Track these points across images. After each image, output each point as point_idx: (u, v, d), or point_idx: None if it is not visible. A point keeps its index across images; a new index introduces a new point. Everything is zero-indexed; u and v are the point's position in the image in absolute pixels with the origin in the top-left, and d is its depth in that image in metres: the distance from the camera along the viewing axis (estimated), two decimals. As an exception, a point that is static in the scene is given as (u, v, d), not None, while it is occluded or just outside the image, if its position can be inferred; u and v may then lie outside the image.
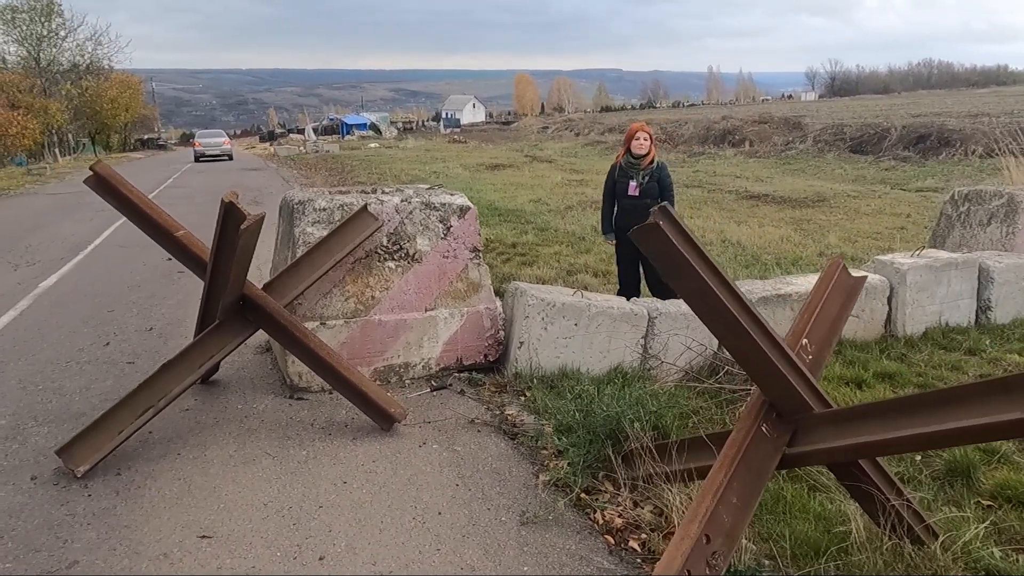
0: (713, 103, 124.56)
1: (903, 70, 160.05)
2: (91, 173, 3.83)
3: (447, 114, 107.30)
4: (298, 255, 4.45)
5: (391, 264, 4.69)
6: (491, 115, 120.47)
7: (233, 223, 3.16)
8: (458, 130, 70.72)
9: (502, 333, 5.00)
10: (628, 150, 6.09)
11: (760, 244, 10.09)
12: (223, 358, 3.92)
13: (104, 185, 3.83)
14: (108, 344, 5.62)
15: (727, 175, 20.21)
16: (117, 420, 3.57)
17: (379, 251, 4.66)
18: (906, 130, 24.78)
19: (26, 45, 42.32)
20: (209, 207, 15.50)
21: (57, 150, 41.62)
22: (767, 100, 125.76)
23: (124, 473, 3.54)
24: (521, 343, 4.78)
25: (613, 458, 3.47)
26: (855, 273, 5.94)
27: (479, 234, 4.97)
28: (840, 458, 2.80)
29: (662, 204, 2.68)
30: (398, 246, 4.71)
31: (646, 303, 5.14)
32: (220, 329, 3.87)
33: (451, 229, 4.85)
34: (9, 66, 41.84)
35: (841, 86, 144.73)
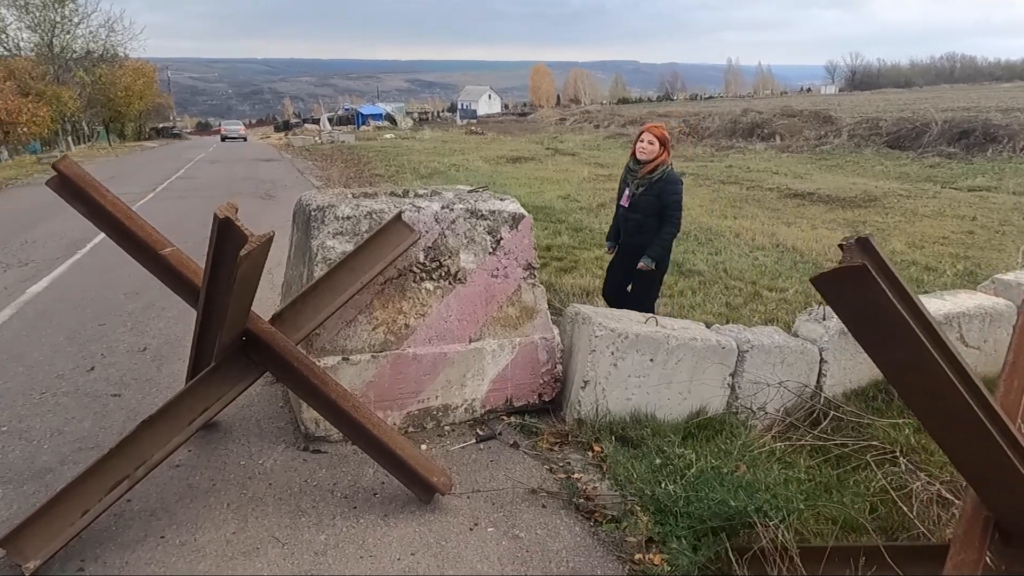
0: (731, 96, 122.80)
1: (925, 64, 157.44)
2: (54, 173, 2.99)
3: (463, 105, 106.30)
4: (315, 274, 3.60)
5: (429, 285, 3.83)
6: (507, 106, 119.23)
7: (231, 247, 2.31)
8: (475, 121, 69.68)
9: (560, 368, 4.13)
10: (633, 152, 5.04)
11: (818, 250, 9.16)
12: (220, 411, 3.07)
13: (70, 187, 2.99)
14: (92, 369, 4.80)
15: (762, 171, 19.17)
16: (81, 495, 2.74)
17: (414, 269, 3.80)
18: (947, 125, 23.60)
19: (39, 31, 41.68)
20: (222, 201, 14.61)
21: (70, 138, 41.02)
22: (786, 93, 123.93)
23: (89, 567, 2.71)
24: (585, 382, 3.91)
25: (734, 560, 2.61)
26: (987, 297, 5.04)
27: (534, 248, 4.09)
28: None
29: (859, 237, 1.81)
30: (437, 263, 3.85)
31: (734, 333, 4.26)
32: (216, 374, 3.02)
33: (501, 242, 3.98)
34: (23, 53, 41.23)
35: (862, 80, 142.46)
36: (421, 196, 4.38)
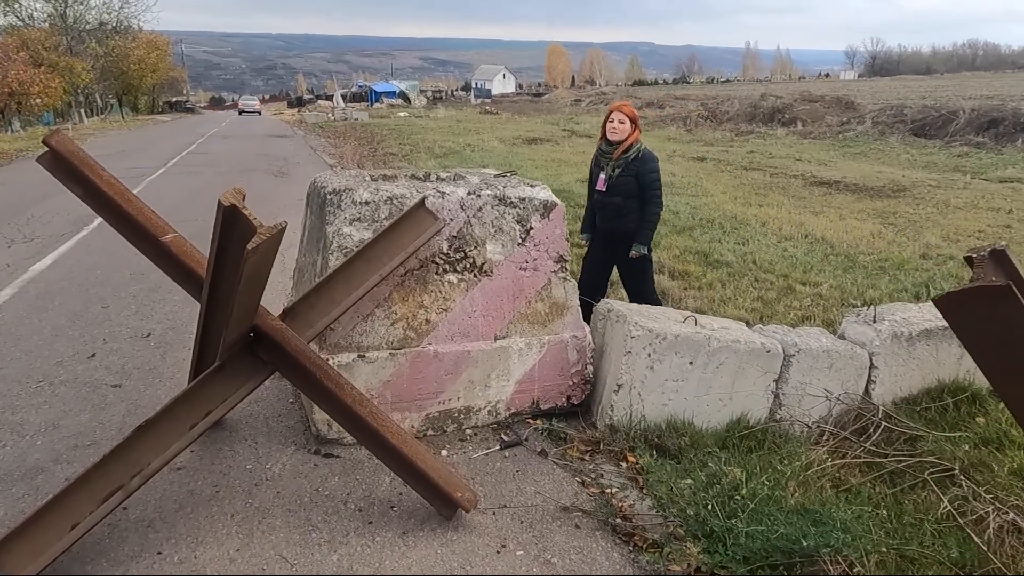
0: (748, 79, 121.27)
1: (947, 50, 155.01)
2: (46, 149, 2.70)
3: (477, 84, 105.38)
4: (330, 263, 3.31)
5: (452, 277, 3.54)
6: (521, 86, 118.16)
7: (237, 239, 2.02)
8: (489, 101, 68.95)
9: (590, 369, 3.84)
10: (603, 134, 4.78)
11: (849, 241, 8.80)
12: (225, 414, 2.80)
13: (64, 165, 2.70)
14: (93, 356, 4.54)
15: (784, 157, 18.70)
16: (72, 507, 2.47)
17: (437, 260, 3.51)
18: (975, 113, 22.98)
19: (53, 1, 41.35)
20: (234, 178, 14.47)
21: (83, 110, 40.80)
22: (804, 78, 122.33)
23: (77, 587, 2.45)
24: (619, 386, 3.61)
25: (795, 601, 2.32)
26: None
27: (567, 239, 3.78)
28: None
29: (993, 249, 1.49)
30: (462, 253, 3.55)
31: (779, 335, 3.95)
32: (221, 374, 2.75)
33: (531, 232, 3.67)
34: (36, 23, 40.93)
35: (882, 66, 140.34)
36: (444, 180, 4.08)
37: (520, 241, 3.64)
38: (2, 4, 39.06)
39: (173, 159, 17.74)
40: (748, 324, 4.17)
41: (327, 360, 3.25)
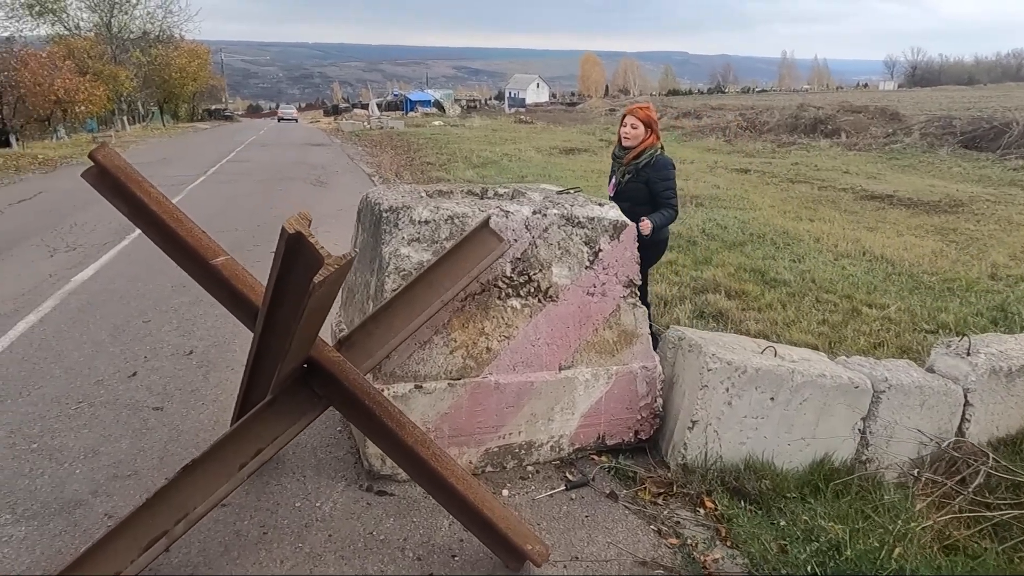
0: (784, 89, 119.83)
1: (990, 60, 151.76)
2: (91, 163, 2.51)
3: (511, 93, 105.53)
4: (386, 287, 3.08)
5: (515, 303, 3.29)
6: (554, 95, 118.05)
7: (302, 270, 1.80)
8: (523, 110, 68.91)
9: (660, 402, 3.56)
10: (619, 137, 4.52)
11: (910, 260, 8.38)
12: (276, 453, 2.58)
13: (110, 181, 2.52)
14: (134, 375, 4.38)
15: (831, 169, 18.17)
16: (112, 556, 2.27)
17: (500, 284, 3.26)
18: (1031, 125, 22.19)
19: (99, 11, 42.24)
20: (272, 186, 14.44)
21: (125, 118, 41.53)
22: (841, 88, 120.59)
23: (117, 644, 2.24)
24: (693, 423, 3.33)
25: None
26: None
27: (637, 262, 3.52)
28: None
29: None
30: (526, 277, 3.30)
31: (865, 368, 3.63)
32: (272, 409, 2.53)
33: (600, 254, 3.41)
34: (82, 32, 41.82)
35: (923, 76, 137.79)
36: (503, 197, 3.85)
37: (588, 264, 3.39)
38: (51, 15, 39.99)
39: (213, 167, 17.82)
40: (825, 351, 3.86)
41: (382, 390, 3.03)
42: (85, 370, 4.44)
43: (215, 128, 48.15)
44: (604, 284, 3.42)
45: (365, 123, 41.35)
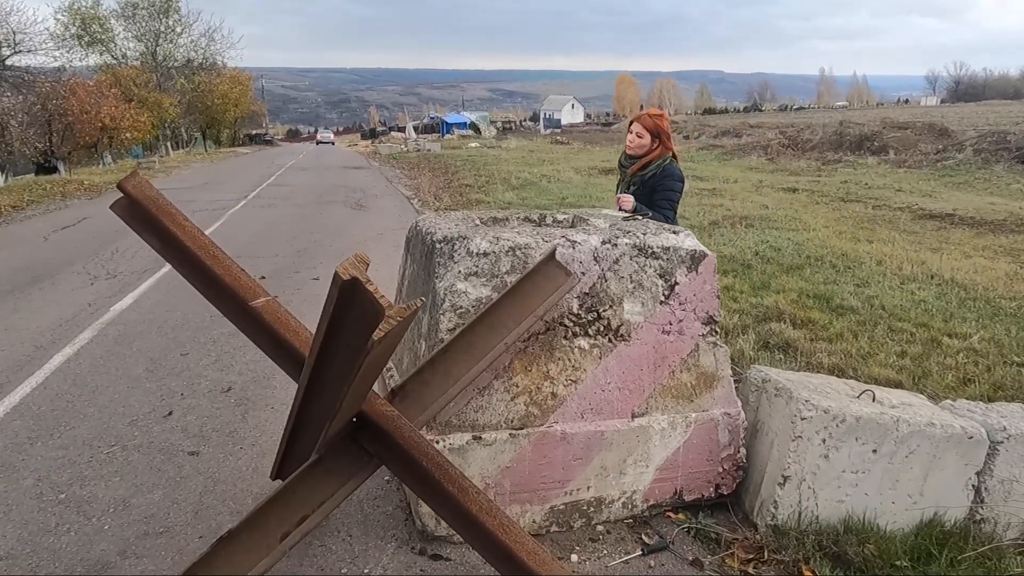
0: (823, 107, 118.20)
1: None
2: (120, 194, 2.26)
3: (546, 114, 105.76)
4: (440, 325, 2.78)
5: (583, 343, 2.95)
6: (589, 116, 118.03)
7: (359, 322, 1.50)
8: (559, 131, 68.86)
9: (743, 452, 3.18)
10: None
11: (984, 283, 7.84)
12: (322, 521, 2.27)
13: (140, 213, 2.26)
14: (170, 414, 4.13)
15: (882, 187, 17.54)
16: (136, 642, 1.97)
17: (566, 322, 2.93)
18: (1092, 140, 21.26)
19: (144, 41, 43.39)
20: (312, 210, 14.33)
21: (169, 144, 42.41)
22: (882, 104, 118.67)
23: None
24: (785, 478, 2.95)
25: None
26: None
27: (717, 295, 3.16)
28: None
29: None
30: (595, 314, 2.97)
31: (977, 414, 3.21)
32: (319, 469, 2.22)
33: (676, 288, 3.06)
34: (129, 61, 42.98)
35: (966, 90, 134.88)
36: (562, 223, 3.54)
37: (663, 299, 3.04)
38: (99, 44, 41.17)
39: (254, 191, 17.87)
40: (909, 388, 3.44)
41: (436, 441, 2.72)
42: (119, 408, 4.21)
43: (255, 152, 48.88)
44: (681, 321, 3.07)
45: (402, 146, 41.58)
